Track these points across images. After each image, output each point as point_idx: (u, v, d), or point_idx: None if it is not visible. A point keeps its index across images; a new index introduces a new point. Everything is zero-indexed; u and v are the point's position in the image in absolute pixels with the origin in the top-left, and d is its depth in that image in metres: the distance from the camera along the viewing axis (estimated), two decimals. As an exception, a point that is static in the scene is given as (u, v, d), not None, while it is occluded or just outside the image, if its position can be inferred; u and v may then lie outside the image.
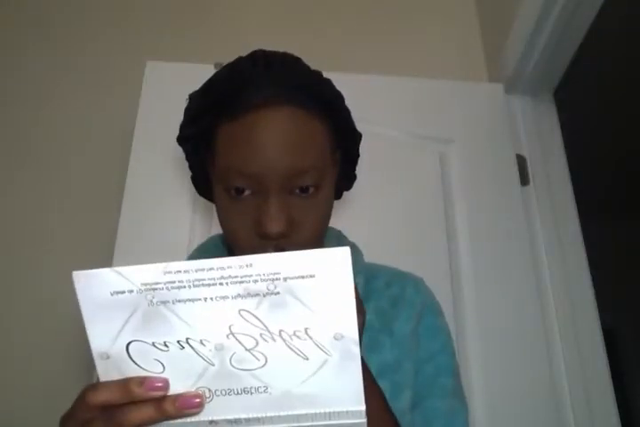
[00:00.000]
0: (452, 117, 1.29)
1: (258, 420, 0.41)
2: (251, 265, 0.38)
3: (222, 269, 0.38)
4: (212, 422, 0.41)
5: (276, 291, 0.39)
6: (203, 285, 0.39)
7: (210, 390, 0.41)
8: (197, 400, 0.40)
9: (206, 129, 0.64)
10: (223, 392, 0.41)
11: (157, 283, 0.39)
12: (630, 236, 3.15)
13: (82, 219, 1.28)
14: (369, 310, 0.70)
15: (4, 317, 1.20)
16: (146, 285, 0.39)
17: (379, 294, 0.73)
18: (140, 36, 1.48)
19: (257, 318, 0.39)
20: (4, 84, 1.43)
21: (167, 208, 1.12)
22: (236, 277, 0.38)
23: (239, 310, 0.39)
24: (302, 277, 0.38)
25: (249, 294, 0.39)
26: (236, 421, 0.41)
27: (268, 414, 0.41)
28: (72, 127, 1.38)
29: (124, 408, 0.40)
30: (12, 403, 1.12)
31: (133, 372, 0.41)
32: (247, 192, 0.60)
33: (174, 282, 0.39)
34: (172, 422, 0.41)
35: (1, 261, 1.25)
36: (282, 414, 0.41)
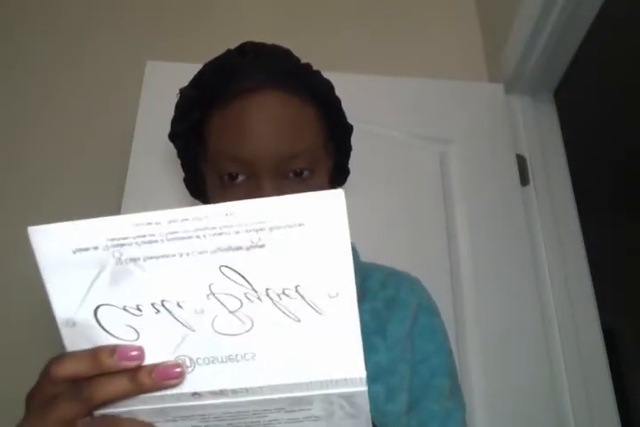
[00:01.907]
0: (452, 117, 1.29)
1: (246, 391, 0.37)
2: (231, 214, 0.34)
3: (198, 219, 0.34)
4: (194, 394, 0.37)
5: (260, 243, 0.34)
6: (177, 238, 0.34)
7: (191, 359, 0.36)
8: (177, 370, 0.36)
9: (198, 122, 0.63)
10: (206, 361, 0.36)
11: (125, 238, 0.34)
12: (630, 236, 3.14)
13: (81, 219, 1.28)
14: (364, 310, 0.68)
15: None
16: (113, 240, 0.34)
17: (374, 295, 0.71)
18: (140, 36, 1.48)
19: (240, 275, 0.35)
20: (4, 83, 1.43)
21: (167, 208, 1.12)
22: (214, 228, 0.34)
23: (220, 267, 0.34)
24: (290, 226, 0.34)
25: (230, 248, 0.34)
26: (222, 392, 0.37)
27: (257, 385, 0.36)
28: (72, 127, 1.38)
29: (93, 381, 0.36)
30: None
31: (104, 340, 0.36)
32: (241, 178, 0.59)
33: (144, 236, 0.34)
34: (149, 395, 0.36)
35: (1, 261, 1.25)
36: (272, 383, 0.36)
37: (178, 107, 0.66)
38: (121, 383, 0.36)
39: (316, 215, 0.34)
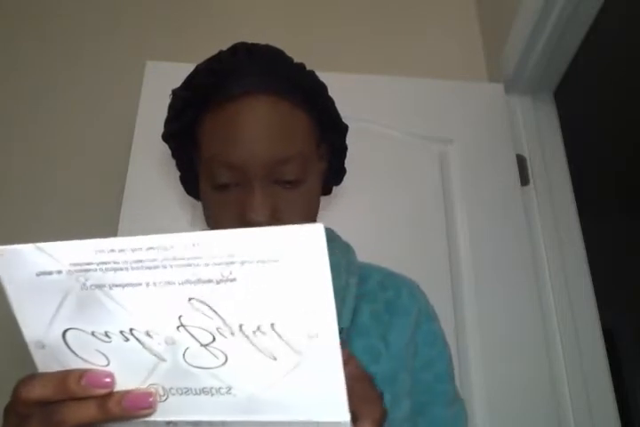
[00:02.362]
0: (451, 117, 1.29)
1: (222, 424, 0.35)
2: (197, 244, 0.32)
3: (164, 249, 0.32)
4: (169, 422, 0.36)
5: (231, 277, 0.32)
6: (143, 267, 0.33)
7: (164, 389, 0.35)
8: (150, 400, 0.34)
9: (190, 123, 0.63)
10: (180, 391, 0.35)
11: (89, 263, 0.33)
12: (630, 236, 3.14)
13: (82, 219, 1.28)
14: (364, 312, 0.68)
15: None
16: (76, 265, 0.33)
17: (373, 296, 0.71)
18: (140, 36, 1.48)
19: (211, 308, 0.33)
20: (4, 83, 1.43)
21: (167, 208, 1.12)
22: (182, 259, 0.32)
23: (189, 299, 0.33)
24: (263, 261, 0.32)
25: (199, 280, 0.32)
26: (198, 424, 0.35)
27: (235, 419, 0.35)
28: (72, 127, 1.38)
29: (62, 406, 0.35)
30: None
31: (74, 363, 0.35)
32: (231, 183, 0.59)
33: (109, 263, 0.33)
34: (122, 422, 0.35)
35: (1, 261, 1.25)
36: (250, 419, 0.35)
37: (170, 108, 0.66)
38: (89, 410, 0.34)
39: (293, 251, 0.31)
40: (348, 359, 0.46)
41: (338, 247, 0.74)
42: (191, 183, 0.71)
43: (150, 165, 1.14)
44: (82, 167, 1.34)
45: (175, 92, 0.66)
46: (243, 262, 0.32)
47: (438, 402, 0.67)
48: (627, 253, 3.08)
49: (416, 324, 0.71)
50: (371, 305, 0.70)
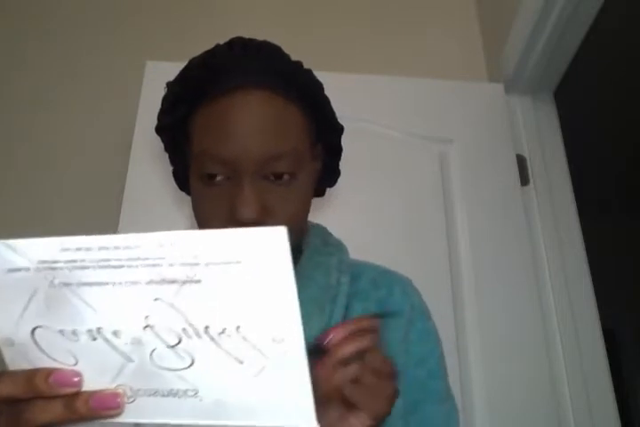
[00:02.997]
0: (451, 117, 1.29)
1: None
2: (163, 245, 0.32)
3: (129, 248, 0.32)
4: (136, 425, 0.36)
5: (196, 278, 0.32)
6: (109, 266, 0.33)
7: (132, 389, 0.35)
8: (117, 400, 0.34)
9: (183, 117, 0.62)
10: (147, 392, 0.35)
11: (56, 261, 0.33)
12: (630, 236, 3.14)
13: (81, 219, 1.28)
14: (355, 310, 0.68)
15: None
16: (43, 262, 0.33)
17: (365, 295, 0.70)
18: (140, 36, 1.48)
19: (176, 309, 0.33)
20: (4, 83, 1.42)
21: (167, 207, 1.12)
22: (146, 258, 0.32)
23: (154, 299, 0.33)
24: (226, 262, 0.32)
25: (164, 281, 0.33)
26: (164, 426, 0.35)
27: (201, 422, 0.35)
28: (72, 127, 1.38)
29: (29, 404, 0.35)
30: None
31: (43, 362, 0.35)
32: (220, 177, 0.58)
33: (75, 261, 0.33)
34: (90, 423, 0.35)
35: (1, 261, 1.25)
36: (216, 423, 0.35)
37: (164, 100, 0.65)
38: (56, 409, 0.34)
39: (256, 253, 0.31)
40: (372, 351, 0.46)
41: (330, 246, 0.74)
42: (184, 178, 0.70)
43: (150, 165, 1.14)
44: (82, 167, 1.34)
45: (169, 85, 0.65)
46: (207, 264, 0.32)
47: (430, 399, 0.66)
48: (627, 253, 3.08)
49: (409, 321, 0.70)
50: (363, 303, 0.69)
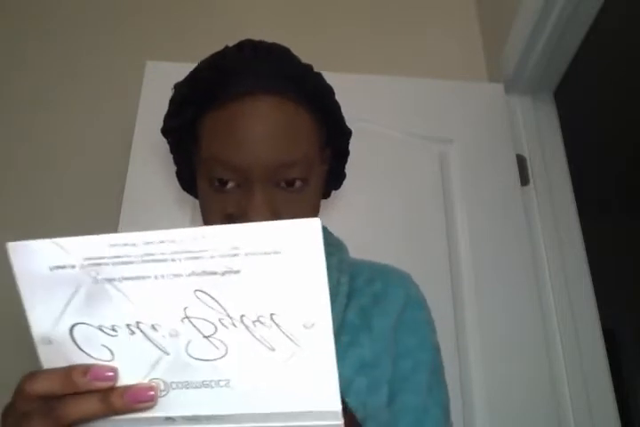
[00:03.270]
0: (451, 117, 1.29)
1: (221, 418, 0.36)
2: (203, 237, 0.34)
3: (173, 242, 0.34)
4: (167, 418, 0.36)
5: (235, 269, 0.34)
6: (153, 260, 0.34)
7: (165, 383, 0.36)
8: (150, 393, 0.35)
9: (191, 120, 0.62)
10: (180, 385, 0.36)
11: (102, 257, 0.34)
12: (630, 236, 3.14)
13: (82, 219, 1.28)
14: (351, 309, 0.67)
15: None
16: (89, 259, 0.34)
17: (360, 293, 0.70)
18: (140, 36, 1.48)
19: (215, 300, 0.34)
20: (4, 83, 1.43)
21: (167, 208, 1.13)
22: (189, 251, 0.34)
23: (195, 291, 0.34)
24: (266, 253, 0.34)
25: (205, 272, 0.34)
26: (196, 418, 0.36)
27: (232, 412, 0.36)
28: (72, 127, 1.38)
29: (65, 400, 0.36)
30: None
31: (79, 359, 0.36)
32: (231, 184, 0.58)
33: (121, 256, 0.34)
34: (120, 417, 0.36)
35: (1, 261, 1.25)
36: (247, 412, 0.36)
37: (172, 102, 0.64)
38: (92, 404, 0.35)
39: (292, 243, 0.33)
40: None
41: (330, 245, 0.74)
42: (187, 179, 0.70)
43: (150, 164, 1.14)
44: (82, 167, 1.34)
45: (177, 87, 0.64)
46: (247, 254, 0.34)
47: (408, 390, 0.65)
48: (627, 253, 3.08)
49: (402, 310, 0.70)
50: (357, 301, 0.69)
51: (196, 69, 0.63)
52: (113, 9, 1.52)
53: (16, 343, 1.10)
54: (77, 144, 1.36)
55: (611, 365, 1.16)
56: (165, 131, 0.65)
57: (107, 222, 1.19)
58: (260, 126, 0.57)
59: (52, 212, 1.29)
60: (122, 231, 1.07)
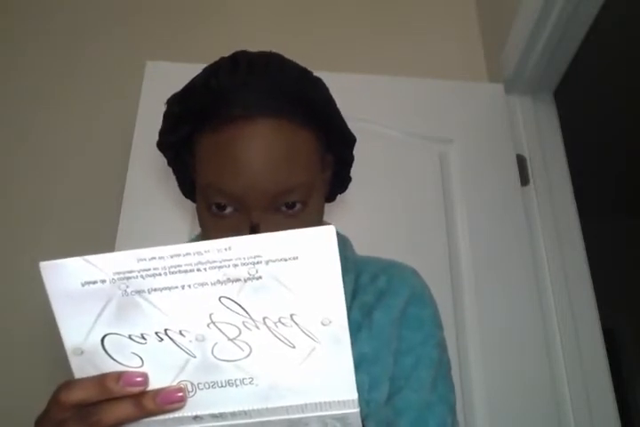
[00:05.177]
0: (452, 117, 1.29)
1: (245, 413, 0.39)
2: (229, 248, 0.36)
3: (199, 253, 0.36)
4: (196, 417, 0.39)
5: (257, 275, 0.36)
6: (179, 271, 0.36)
7: (192, 384, 0.39)
8: (179, 395, 0.38)
9: (186, 137, 0.60)
10: (206, 385, 0.39)
11: (131, 271, 0.37)
12: (630, 235, 3.15)
13: (82, 219, 1.28)
14: (354, 307, 0.67)
15: (8, 321, 1.20)
16: (119, 273, 0.37)
17: (364, 290, 0.70)
18: (140, 36, 1.48)
19: (239, 304, 0.37)
20: (4, 83, 1.43)
21: (167, 208, 1.12)
22: (214, 262, 0.36)
23: (219, 297, 0.37)
24: (285, 259, 0.36)
25: (229, 280, 0.37)
26: (222, 415, 0.39)
27: (255, 407, 0.39)
28: (72, 127, 1.38)
29: (99, 406, 0.38)
30: None
31: (110, 367, 0.38)
32: (229, 209, 0.57)
33: (149, 269, 0.37)
34: (152, 419, 0.39)
35: (1, 261, 1.25)
36: (269, 406, 0.39)
37: (165, 119, 0.62)
38: (126, 408, 0.38)
39: (310, 249, 0.36)
40: None
41: None
42: (190, 188, 0.69)
43: (150, 165, 1.14)
44: (82, 167, 1.34)
45: (170, 104, 0.61)
46: (267, 262, 0.36)
47: (410, 386, 0.64)
48: (627, 254, 3.08)
49: (406, 305, 0.69)
50: (361, 298, 0.69)
51: (187, 88, 0.60)
52: (113, 9, 1.52)
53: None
54: (77, 144, 1.36)
55: (611, 365, 1.16)
56: (161, 146, 0.64)
57: (107, 222, 1.19)
58: (257, 153, 0.55)
59: (52, 212, 1.29)
60: (122, 231, 1.08)
